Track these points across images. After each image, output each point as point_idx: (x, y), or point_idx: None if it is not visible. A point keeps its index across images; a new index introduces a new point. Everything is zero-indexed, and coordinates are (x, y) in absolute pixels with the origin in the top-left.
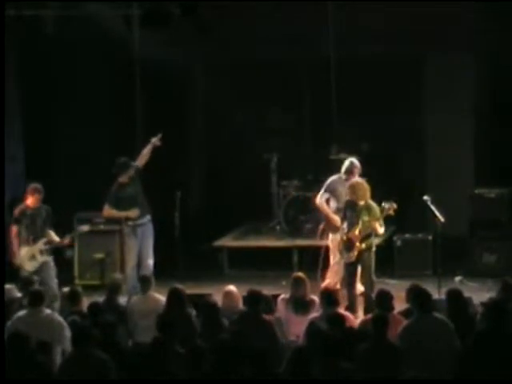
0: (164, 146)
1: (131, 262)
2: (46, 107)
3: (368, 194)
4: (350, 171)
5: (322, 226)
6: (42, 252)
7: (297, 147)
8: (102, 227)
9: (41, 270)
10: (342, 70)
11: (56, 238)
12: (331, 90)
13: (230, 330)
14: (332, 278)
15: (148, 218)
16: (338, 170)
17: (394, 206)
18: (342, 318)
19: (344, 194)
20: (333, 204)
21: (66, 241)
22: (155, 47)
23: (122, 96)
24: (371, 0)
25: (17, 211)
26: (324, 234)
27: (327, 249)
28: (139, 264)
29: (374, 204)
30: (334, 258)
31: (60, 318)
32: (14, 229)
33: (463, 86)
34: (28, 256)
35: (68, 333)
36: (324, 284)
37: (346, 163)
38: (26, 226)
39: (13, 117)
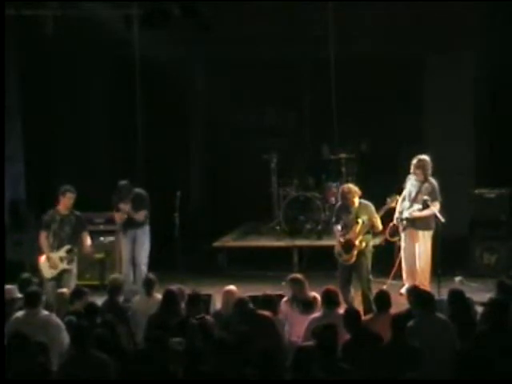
0: (164, 146)
1: (124, 259)
2: (46, 107)
3: (357, 195)
4: (416, 167)
5: (391, 224)
6: (62, 259)
7: (297, 147)
8: (101, 227)
9: (59, 277)
10: (341, 70)
11: (88, 244)
12: (331, 90)
13: (233, 331)
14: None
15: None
16: (336, 170)
17: (397, 198)
18: (358, 315)
19: (407, 192)
20: (405, 203)
21: (90, 252)
22: (155, 47)
23: (121, 96)
24: (371, 0)
25: (47, 216)
26: (394, 233)
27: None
28: (134, 267)
29: (367, 202)
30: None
31: (57, 320)
32: (43, 234)
33: (463, 86)
34: (48, 263)
35: (65, 334)
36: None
37: (414, 160)
38: (53, 232)
39: (13, 117)
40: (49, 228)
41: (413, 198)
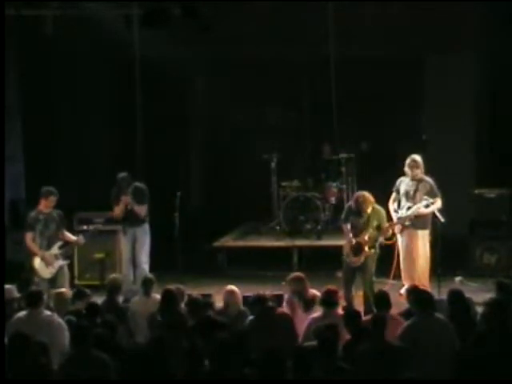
0: (164, 146)
1: (124, 259)
2: (46, 107)
3: (371, 205)
4: (408, 166)
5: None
6: (57, 257)
7: (297, 147)
8: (101, 227)
9: (56, 275)
10: (342, 70)
11: (72, 238)
12: (331, 90)
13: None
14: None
15: (142, 222)
16: (336, 170)
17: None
18: (357, 315)
19: (404, 192)
20: (403, 203)
21: (81, 241)
22: (155, 47)
23: (121, 96)
24: (371, 0)
25: (30, 217)
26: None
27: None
28: (135, 266)
29: (380, 208)
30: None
31: (60, 319)
32: (29, 235)
33: (463, 86)
34: (44, 263)
35: (67, 334)
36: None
37: (407, 160)
38: (39, 232)
39: (13, 117)
40: (33, 229)
41: (411, 197)
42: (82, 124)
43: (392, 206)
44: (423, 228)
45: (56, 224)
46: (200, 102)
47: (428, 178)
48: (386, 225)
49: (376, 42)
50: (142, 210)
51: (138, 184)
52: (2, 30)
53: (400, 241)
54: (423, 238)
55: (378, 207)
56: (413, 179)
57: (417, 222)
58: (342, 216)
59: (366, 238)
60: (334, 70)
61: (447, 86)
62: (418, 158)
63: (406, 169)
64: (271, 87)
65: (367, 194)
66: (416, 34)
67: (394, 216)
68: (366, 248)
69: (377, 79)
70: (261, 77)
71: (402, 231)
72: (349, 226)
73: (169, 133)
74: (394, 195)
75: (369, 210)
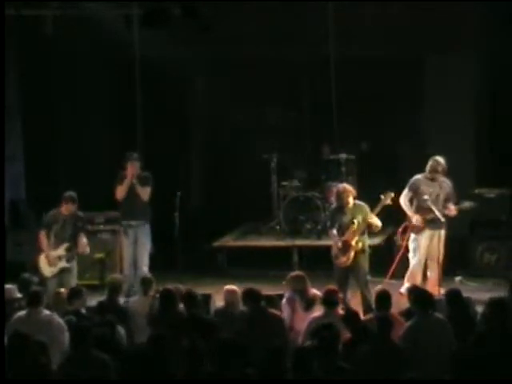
0: (164, 146)
1: (125, 261)
2: (46, 107)
3: (352, 195)
4: (434, 169)
5: (404, 225)
6: (60, 258)
7: (297, 147)
8: (101, 227)
9: (60, 275)
10: (342, 70)
11: (82, 241)
12: (331, 90)
13: (234, 330)
14: (411, 280)
15: (143, 222)
16: (336, 170)
17: (392, 194)
18: (357, 317)
19: (428, 192)
20: (415, 203)
21: (86, 251)
22: (155, 47)
23: (122, 96)
24: (371, 0)
25: (49, 216)
26: (405, 233)
27: (406, 249)
28: (135, 267)
29: (362, 203)
30: (413, 259)
31: (59, 319)
32: (43, 232)
33: (463, 86)
34: (47, 261)
35: (67, 334)
36: (405, 286)
37: (430, 162)
38: (55, 232)
39: (13, 117)
40: (50, 228)
41: (433, 200)
42: (82, 124)
43: (405, 203)
44: (444, 228)
45: (74, 227)
46: (200, 101)
47: (448, 181)
48: (371, 216)
49: (376, 42)
50: (145, 192)
51: (143, 172)
52: (2, 29)
53: (417, 240)
54: (444, 238)
55: (359, 203)
56: (434, 181)
57: (442, 222)
58: (328, 222)
59: (352, 231)
60: (334, 70)
61: (447, 86)
62: (443, 161)
63: (431, 172)
64: (271, 87)
65: (346, 185)
66: (416, 34)
67: (410, 213)
68: (353, 243)
69: (377, 79)
70: (261, 77)
71: (419, 232)
72: (335, 231)
73: (169, 133)
74: (407, 192)
75: (350, 201)
